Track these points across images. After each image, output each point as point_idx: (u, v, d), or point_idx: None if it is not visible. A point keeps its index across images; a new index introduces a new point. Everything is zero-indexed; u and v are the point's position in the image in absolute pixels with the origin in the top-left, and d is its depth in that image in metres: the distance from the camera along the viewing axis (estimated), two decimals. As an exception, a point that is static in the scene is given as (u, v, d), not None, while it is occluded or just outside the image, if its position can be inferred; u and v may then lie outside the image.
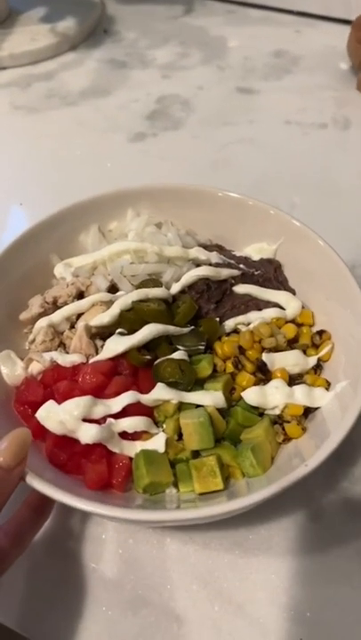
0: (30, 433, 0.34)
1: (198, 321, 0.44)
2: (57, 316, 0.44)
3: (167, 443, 0.37)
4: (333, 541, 0.39)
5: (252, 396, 0.40)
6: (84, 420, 0.37)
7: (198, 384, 0.41)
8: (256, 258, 0.49)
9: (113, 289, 0.46)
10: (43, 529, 0.39)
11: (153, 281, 0.45)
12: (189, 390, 0.40)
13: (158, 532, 0.39)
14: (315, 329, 0.45)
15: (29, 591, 0.37)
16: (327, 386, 0.41)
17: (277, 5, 0.96)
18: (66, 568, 0.38)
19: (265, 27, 0.93)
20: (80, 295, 0.45)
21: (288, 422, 0.39)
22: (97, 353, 0.42)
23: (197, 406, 0.39)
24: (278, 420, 0.40)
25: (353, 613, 0.36)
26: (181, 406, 0.39)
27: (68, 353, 0.43)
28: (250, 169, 0.67)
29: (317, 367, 0.42)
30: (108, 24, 0.95)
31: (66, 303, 0.45)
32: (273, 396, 0.40)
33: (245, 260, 0.49)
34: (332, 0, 0.92)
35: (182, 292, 0.45)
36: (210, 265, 0.46)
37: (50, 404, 0.38)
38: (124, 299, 0.43)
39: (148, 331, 0.41)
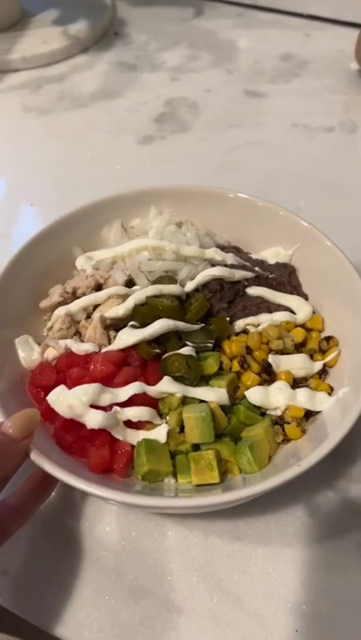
0: (39, 413, 0.36)
1: (209, 319, 0.45)
2: (75, 306, 0.46)
3: (169, 434, 0.39)
4: (330, 536, 0.40)
5: (255, 395, 0.41)
6: (92, 407, 0.39)
7: (204, 380, 0.42)
8: (272, 261, 0.50)
9: (130, 283, 0.48)
10: (49, 521, 0.41)
11: (168, 278, 0.47)
12: (195, 385, 0.41)
13: (160, 525, 0.41)
14: (324, 335, 0.45)
15: (35, 579, 0.39)
16: (330, 391, 0.42)
17: (287, 8, 0.97)
18: (71, 558, 0.39)
19: (274, 30, 0.94)
20: (98, 287, 0.48)
21: (288, 423, 0.40)
22: (110, 343, 0.44)
23: (201, 401, 0.40)
24: (279, 421, 0.41)
25: (348, 606, 0.37)
26: (185, 400, 0.41)
27: (82, 342, 0.45)
28: (256, 171, 0.68)
29: (323, 372, 0.43)
30: (119, 27, 0.96)
31: (84, 294, 0.47)
32: (275, 397, 0.41)
33: (261, 263, 0.50)
34: (342, 3, 0.93)
35: (196, 290, 0.46)
36: (225, 266, 0.47)
37: (60, 388, 0.40)
38: (139, 293, 0.45)
39: (159, 325, 0.42)
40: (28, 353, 0.44)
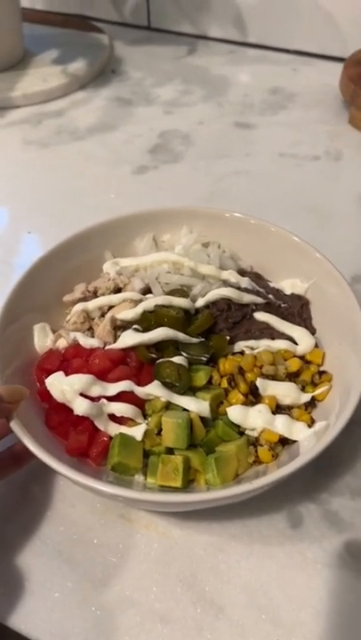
0: (28, 392, 0.41)
1: (210, 336, 0.48)
2: (92, 304, 0.50)
3: (146, 434, 0.42)
4: (311, 548, 0.41)
5: (234, 413, 0.43)
6: (82, 395, 0.42)
7: (192, 391, 0.44)
8: (288, 292, 0.52)
9: (148, 291, 0.51)
10: (38, 532, 0.42)
11: (181, 291, 0.50)
12: (181, 394, 0.43)
13: (146, 538, 0.42)
14: (322, 369, 0.47)
15: (22, 590, 0.40)
16: (311, 423, 0.43)
17: (275, 45, 1.01)
18: (58, 569, 0.41)
19: (263, 65, 0.99)
20: (118, 290, 0.52)
21: (262, 446, 0.42)
22: (115, 342, 0.48)
23: (184, 410, 0.42)
24: (255, 442, 0.42)
25: (327, 617, 0.38)
26: (169, 406, 0.43)
27: (92, 337, 0.49)
28: (244, 199, 0.71)
29: (311, 405, 0.45)
30: (116, 64, 1.01)
31: (103, 294, 0.51)
32: (254, 419, 0.43)
33: (277, 291, 0.52)
34: (327, 39, 0.97)
35: (206, 307, 0.49)
36: (238, 289, 0.50)
37: (58, 374, 0.44)
38: (150, 301, 0.48)
39: (159, 333, 0.45)
40: (43, 339, 0.49)
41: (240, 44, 1.04)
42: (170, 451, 0.42)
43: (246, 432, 0.43)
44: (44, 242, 0.68)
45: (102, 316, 0.50)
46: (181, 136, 0.83)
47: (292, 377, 0.46)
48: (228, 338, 0.48)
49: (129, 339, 0.46)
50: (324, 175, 0.75)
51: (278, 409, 0.44)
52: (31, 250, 0.67)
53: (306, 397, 0.44)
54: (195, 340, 0.46)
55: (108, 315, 0.49)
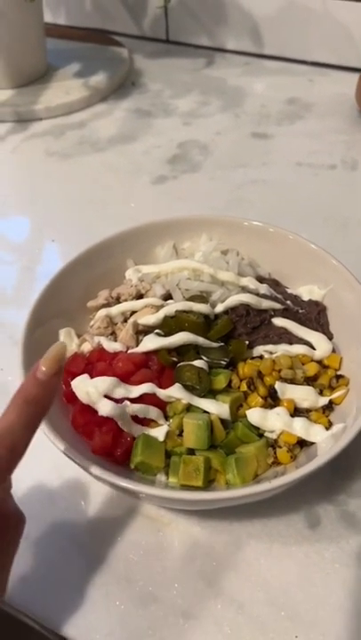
0: (66, 346, 0.41)
1: (230, 340, 0.49)
2: (115, 310, 0.52)
3: (168, 434, 0.43)
4: (329, 548, 0.42)
5: (254, 415, 0.44)
6: (106, 397, 0.44)
7: (212, 393, 0.46)
8: (305, 298, 0.53)
9: (168, 297, 0.53)
10: (62, 530, 0.44)
11: (201, 297, 0.51)
12: (202, 396, 0.45)
13: (168, 536, 0.43)
14: (339, 374, 0.48)
15: (49, 585, 0.41)
16: (328, 425, 0.44)
17: (292, 56, 1.03)
18: (83, 565, 0.42)
19: (280, 76, 1.00)
20: (139, 296, 0.54)
21: (281, 447, 0.43)
22: (137, 346, 0.49)
23: (205, 412, 0.44)
24: (273, 444, 0.44)
25: (345, 614, 0.39)
26: (190, 408, 0.44)
27: (115, 341, 0.51)
28: (261, 208, 0.73)
29: (329, 408, 0.46)
30: (136, 77, 1.04)
31: (125, 300, 0.53)
32: (272, 421, 0.44)
33: (295, 297, 0.54)
34: (344, 50, 0.99)
35: (226, 312, 0.50)
36: (256, 295, 0.51)
37: (83, 376, 0.45)
38: (171, 307, 0.49)
39: (180, 337, 0.47)
40: (68, 343, 0.51)
41: (257, 56, 1.06)
42: (191, 451, 0.43)
43: (265, 434, 0.44)
44: (67, 250, 0.70)
45: (125, 321, 0.52)
46: (200, 146, 0.85)
47: (309, 381, 0.47)
48: (247, 342, 0.49)
49: (151, 343, 0.47)
50: (340, 184, 0.77)
51: (296, 412, 0.45)
52: (55, 257, 0.70)
53: (323, 401, 0.45)
54: (214, 344, 0.48)
55: (131, 320, 0.51)
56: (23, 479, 0.47)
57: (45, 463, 0.47)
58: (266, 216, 0.70)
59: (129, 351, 0.49)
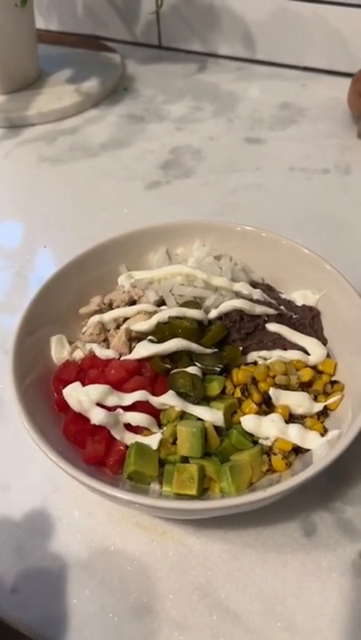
0: None
1: (224, 346, 0.48)
2: (107, 316, 0.51)
3: (161, 443, 0.42)
4: (326, 556, 0.42)
5: (248, 422, 0.44)
6: (98, 405, 0.43)
7: (206, 400, 0.45)
8: (299, 303, 0.53)
9: (162, 303, 0.52)
10: (56, 541, 0.43)
11: (194, 303, 0.51)
12: (196, 403, 0.44)
13: (162, 545, 0.43)
14: (334, 379, 0.48)
15: (43, 597, 0.41)
16: (323, 432, 0.44)
17: (284, 62, 1.03)
18: (75, 577, 0.42)
19: (272, 81, 1.00)
20: (132, 303, 0.53)
21: (275, 455, 0.42)
22: (130, 353, 0.49)
23: (199, 419, 0.43)
24: (268, 451, 0.43)
25: (342, 624, 0.38)
26: (184, 415, 0.44)
27: (108, 348, 0.50)
28: (255, 212, 0.72)
29: (323, 414, 0.45)
30: (128, 82, 1.03)
31: (118, 307, 0.53)
32: (267, 428, 0.43)
33: (288, 303, 0.53)
34: (336, 55, 0.99)
35: (219, 318, 0.50)
36: (250, 300, 0.51)
37: (75, 384, 0.45)
38: (164, 313, 0.49)
39: (173, 344, 0.46)
40: (60, 350, 0.50)
41: (249, 61, 1.06)
42: (185, 459, 0.42)
43: (260, 441, 0.44)
44: (59, 256, 0.70)
45: (118, 327, 0.51)
46: (192, 151, 0.85)
47: (304, 387, 0.47)
48: (240, 348, 0.48)
49: (144, 349, 0.47)
50: (333, 188, 0.77)
51: (291, 418, 0.45)
52: (47, 263, 0.69)
53: (318, 407, 0.45)
54: (208, 350, 0.47)
55: (124, 326, 0.50)
56: (16, 488, 0.47)
57: (38, 472, 0.47)
58: (259, 221, 0.70)
59: (122, 358, 0.48)
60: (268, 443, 0.43)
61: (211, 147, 0.86)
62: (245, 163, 0.82)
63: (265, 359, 0.48)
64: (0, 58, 0.94)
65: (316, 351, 0.48)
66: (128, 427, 0.44)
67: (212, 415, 0.43)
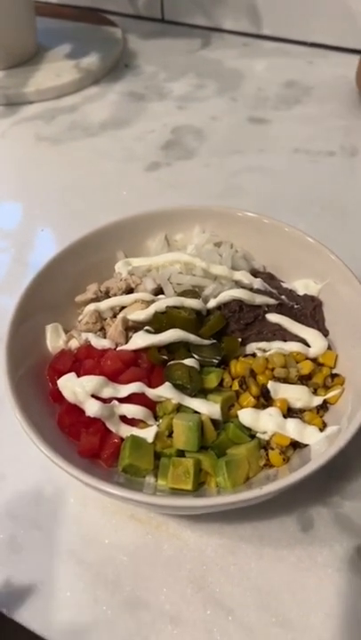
0: None
1: (222, 337, 0.47)
2: (104, 305, 0.50)
3: (157, 436, 0.42)
4: (322, 552, 0.41)
5: (246, 416, 0.43)
6: (93, 396, 0.42)
7: (203, 393, 0.44)
8: (301, 293, 0.52)
9: (160, 292, 0.51)
10: (51, 532, 0.43)
11: (193, 292, 0.50)
12: (193, 396, 0.43)
13: (156, 539, 0.42)
14: (334, 372, 0.46)
15: (35, 589, 0.40)
16: (322, 426, 0.43)
17: (291, 37, 1.00)
18: (70, 570, 0.41)
19: (278, 58, 0.97)
20: (130, 291, 0.52)
21: (273, 449, 0.42)
22: (126, 343, 0.48)
23: (195, 412, 0.42)
24: (266, 446, 0.42)
25: (337, 620, 0.38)
26: (181, 408, 0.43)
27: (104, 337, 0.49)
28: (257, 195, 0.71)
29: (323, 408, 0.44)
30: (129, 59, 1.00)
31: (115, 295, 0.51)
32: (265, 422, 0.42)
33: (290, 292, 0.52)
34: (344, 31, 0.96)
35: (218, 308, 0.49)
36: (250, 290, 0.49)
37: (70, 375, 0.44)
38: (161, 302, 0.48)
39: (170, 334, 0.45)
40: (55, 339, 0.49)
41: (255, 37, 1.03)
42: (181, 453, 0.42)
43: (257, 435, 0.43)
44: (57, 239, 0.69)
45: (114, 316, 0.50)
46: (194, 132, 0.83)
47: (304, 380, 0.46)
48: (239, 340, 0.47)
49: (140, 340, 0.46)
50: (338, 171, 0.74)
51: (290, 412, 0.44)
52: (45, 247, 0.68)
53: (318, 401, 0.44)
54: (206, 341, 0.46)
55: (120, 315, 0.49)
56: (9, 479, 0.46)
57: (34, 464, 0.46)
58: (262, 205, 0.68)
59: (118, 348, 0.47)
60: (266, 437, 0.42)
61: (213, 127, 0.83)
62: (249, 144, 0.80)
63: (264, 351, 0.47)
64: (-3, 32, 0.91)
65: (316, 343, 0.47)
66: (123, 419, 0.43)
67: (208, 408, 0.42)
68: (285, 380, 0.45)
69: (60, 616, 0.39)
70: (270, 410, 0.43)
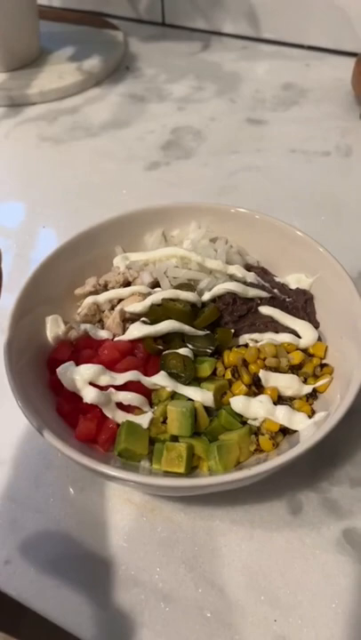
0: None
1: (216, 329, 0.49)
2: (102, 297, 0.52)
3: (152, 422, 0.43)
4: (310, 534, 0.43)
5: (237, 403, 0.44)
6: (91, 384, 0.44)
7: (196, 381, 0.46)
8: (293, 286, 0.53)
9: (156, 285, 0.53)
10: (48, 514, 0.44)
11: (188, 285, 0.51)
12: (187, 384, 0.45)
13: (151, 521, 0.44)
14: (324, 362, 0.48)
15: (35, 568, 0.42)
16: (311, 414, 0.45)
17: (289, 40, 1.02)
18: (66, 550, 0.43)
19: (276, 61, 0.99)
20: (127, 284, 0.54)
21: (263, 435, 0.43)
22: (123, 334, 0.49)
23: (189, 399, 0.44)
24: (257, 432, 0.44)
25: (323, 599, 0.40)
26: (175, 395, 0.45)
27: (102, 328, 0.51)
28: (254, 194, 0.72)
29: (312, 396, 0.46)
30: (131, 61, 1.02)
31: (113, 288, 0.53)
32: (255, 409, 0.44)
33: (282, 286, 0.53)
34: (341, 34, 0.97)
35: (213, 301, 0.51)
36: (243, 283, 0.51)
37: (69, 363, 0.46)
38: (157, 295, 0.50)
39: (166, 325, 0.47)
40: (55, 331, 0.51)
41: (254, 40, 1.04)
42: (175, 438, 0.43)
43: (248, 422, 0.44)
44: (57, 236, 0.70)
45: (112, 308, 0.52)
46: (193, 132, 0.84)
47: (294, 369, 0.47)
48: (232, 331, 0.49)
49: (137, 331, 0.48)
50: (334, 171, 0.76)
51: (280, 400, 0.46)
52: (46, 243, 0.69)
53: (307, 389, 0.46)
54: (200, 332, 0.48)
55: (118, 307, 0.51)
56: (9, 463, 0.48)
57: (33, 449, 0.48)
58: (259, 203, 0.69)
59: (115, 339, 0.49)
60: (257, 423, 0.44)
61: (212, 127, 0.85)
62: (246, 144, 0.81)
63: (256, 342, 0.48)
64: (0, 35, 0.93)
65: (307, 334, 0.49)
66: (120, 406, 0.45)
67: (202, 396, 0.44)
68: (276, 370, 0.46)
69: (57, 594, 0.41)
70: (261, 397, 0.44)
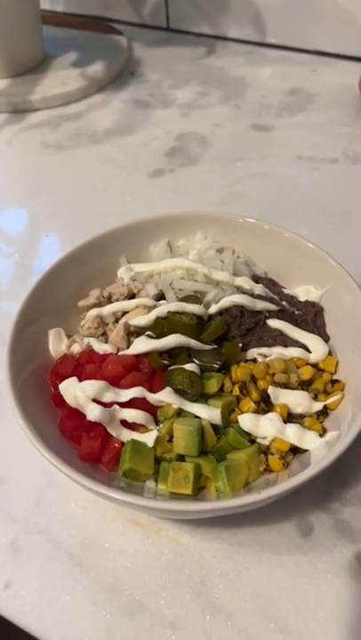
0: None
1: (223, 343, 0.48)
2: (106, 310, 0.51)
3: (158, 440, 0.42)
4: (322, 558, 0.41)
5: (246, 421, 0.43)
6: (94, 401, 0.43)
7: (204, 398, 0.45)
8: (302, 298, 0.52)
9: (161, 297, 0.52)
10: (52, 537, 0.43)
11: (194, 298, 0.50)
12: (193, 401, 0.44)
13: (156, 543, 0.42)
14: (335, 378, 0.46)
15: (36, 593, 0.41)
16: (322, 432, 0.43)
17: (295, 45, 1.01)
18: (69, 573, 0.41)
19: (282, 66, 0.98)
20: (132, 296, 0.52)
21: (273, 455, 0.42)
22: (128, 348, 0.48)
23: (196, 417, 0.43)
24: (266, 451, 0.42)
25: (336, 627, 0.38)
26: (181, 413, 0.43)
27: (106, 342, 0.50)
28: (260, 202, 0.71)
29: (323, 414, 0.45)
30: (135, 66, 1.01)
31: (117, 300, 0.52)
32: (265, 427, 0.43)
33: (291, 298, 0.52)
34: (348, 39, 0.96)
35: (220, 313, 0.49)
36: (251, 295, 0.50)
37: (72, 379, 0.44)
38: (163, 307, 0.48)
39: (172, 339, 0.46)
40: (58, 344, 0.50)
41: (259, 45, 1.03)
42: (181, 457, 0.42)
43: (257, 440, 0.43)
44: (60, 245, 0.69)
45: (116, 321, 0.51)
46: (198, 139, 0.83)
47: (304, 385, 0.46)
48: (240, 345, 0.48)
49: (142, 345, 0.46)
50: (341, 178, 0.75)
51: (290, 417, 0.44)
52: (48, 253, 0.68)
53: (318, 406, 0.44)
54: (207, 347, 0.46)
55: (122, 320, 0.49)
56: (11, 483, 0.47)
57: (34, 467, 0.47)
58: (265, 211, 0.68)
59: (119, 353, 0.48)
60: (266, 442, 0.42)
61: (217, 134, 0.84)
62: (252, 151, 0.80)
63: (265, 356, 0.47)
64: (3, 40, 0.92)
65: (317, 349, 0.47)
66: (124, 423, 0.43)
67: (209, 413, 0.43)
68: (286, 386, 0.45)
69: (60, 619, 0.39)
70: (270, 415, 0.43)
